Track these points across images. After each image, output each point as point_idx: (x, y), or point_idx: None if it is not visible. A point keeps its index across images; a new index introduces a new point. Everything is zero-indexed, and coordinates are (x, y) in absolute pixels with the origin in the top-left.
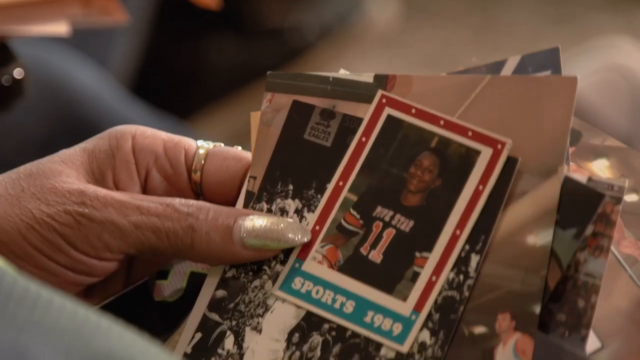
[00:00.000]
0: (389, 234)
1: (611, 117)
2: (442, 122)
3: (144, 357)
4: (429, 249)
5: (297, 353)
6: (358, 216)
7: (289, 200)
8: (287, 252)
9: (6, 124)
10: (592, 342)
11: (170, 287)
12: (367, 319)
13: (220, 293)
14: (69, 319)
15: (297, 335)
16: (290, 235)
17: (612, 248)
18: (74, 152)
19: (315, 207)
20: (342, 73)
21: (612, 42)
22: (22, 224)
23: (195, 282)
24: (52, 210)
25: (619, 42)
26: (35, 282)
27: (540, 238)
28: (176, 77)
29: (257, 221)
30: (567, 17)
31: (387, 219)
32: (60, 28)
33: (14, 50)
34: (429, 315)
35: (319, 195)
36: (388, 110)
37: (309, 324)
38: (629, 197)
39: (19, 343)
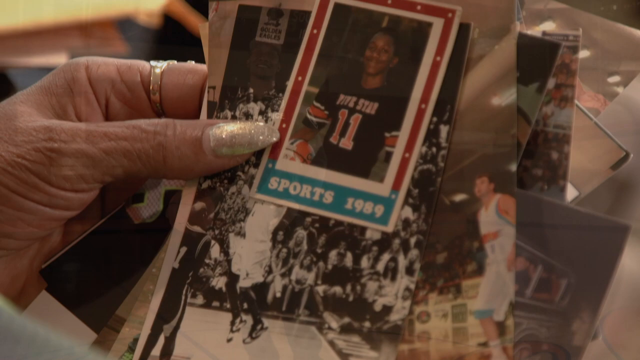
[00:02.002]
0: (356, 120)
1: None
2: (389, 1)
3: None
4: (398, 127)
5: (284, 250)
6: (322, 107)
7: (252, 104)
8: (259, 154)
9: None
10: (570, 192)
11: (147, 209)
12: (348, 206)
13: (199, 205)
14: (65, 359)
15: (281, 233)
16: (259, 137)
17: (575, 101)
18: (32, 92)
19: (279, 106)
20: None
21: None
22: None
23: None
24: (22, 150)
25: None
26: (31, 320)
27: (505, 97)
28: None
29: (224, 128)
30: None
31: (351, 105)
32: (59, 59)
33: (13, 80)
34: (408, 192)
35: (280, 94)
36: None
37: (291, 220)
38: (582, 54)
39: None
